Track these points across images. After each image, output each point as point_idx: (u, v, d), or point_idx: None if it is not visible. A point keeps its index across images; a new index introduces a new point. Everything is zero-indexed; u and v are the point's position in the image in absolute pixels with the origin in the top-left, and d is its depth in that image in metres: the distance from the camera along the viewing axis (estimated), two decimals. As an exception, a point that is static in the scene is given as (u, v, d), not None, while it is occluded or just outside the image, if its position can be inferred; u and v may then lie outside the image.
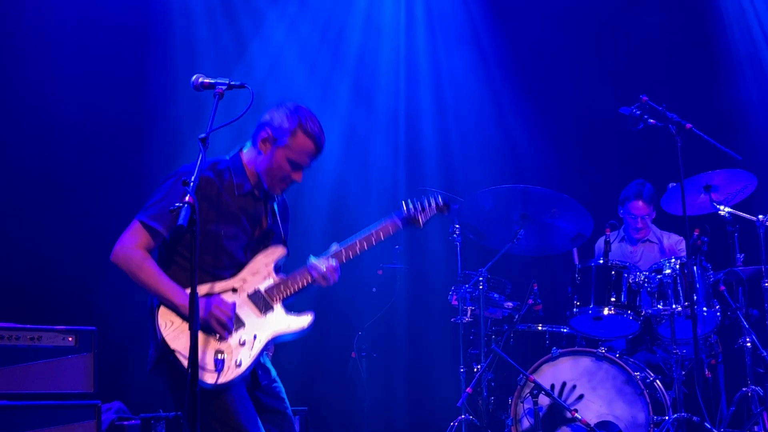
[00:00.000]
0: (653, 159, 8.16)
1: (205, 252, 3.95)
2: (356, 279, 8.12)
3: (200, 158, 3.65)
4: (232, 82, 3.90)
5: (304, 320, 4.12)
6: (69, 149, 7.29)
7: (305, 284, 4.13)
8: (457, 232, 6.70)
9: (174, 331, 3.87)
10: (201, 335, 3.78)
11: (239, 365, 3.90)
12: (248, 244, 4.13)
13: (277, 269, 4.18)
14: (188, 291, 3.63)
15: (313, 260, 4.16)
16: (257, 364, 4.04)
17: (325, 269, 4.14)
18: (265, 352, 4.10)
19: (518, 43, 8.85)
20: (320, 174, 8.23)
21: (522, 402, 6.08)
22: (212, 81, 3.90)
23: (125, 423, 5.70)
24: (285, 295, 4.11)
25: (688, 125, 5.61)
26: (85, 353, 5.12)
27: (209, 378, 3.82)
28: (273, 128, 4.08)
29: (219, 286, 4.00)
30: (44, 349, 5.02)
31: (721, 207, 6.15)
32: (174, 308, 3.88)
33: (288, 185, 4.16)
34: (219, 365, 3.84)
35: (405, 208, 4.40)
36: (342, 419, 8.07)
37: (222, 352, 3.87)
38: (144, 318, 7.16)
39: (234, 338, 3.93)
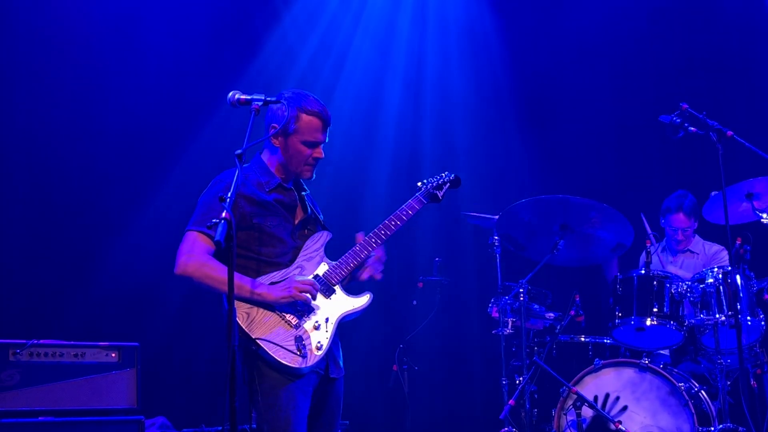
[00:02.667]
0: (694, 167, 8.09)
1: (258, 245, 4.16)
2: (397, 292, 8.12)
3: (237, 174, 3.72)
4: (268, 98, 4.00)
5: (364, 299, 4.30)
6: (112, 162, 7.33)
7: (359, 262, 4.29)
8: (497, 244, 6.68)
9: (253, 323, 4.02)
10: (279, 323, 4.04)
11: (320, 348, 4.10)
12: (294, 231, 4.28)
13: (327, 253, 4.35)
14: (259, 279, 4.03)
15: (361, 245, 4.31)
16: (331, 358, 4.22)
17: (381, 259, 4.35)
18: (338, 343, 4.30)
19: (559, 50, 8.81)
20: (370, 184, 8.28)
21: (565, 414, 6.04)
22: (248, 97, 3.98)
23: (169, 437, 5.75)
24: (343, 276, 4.26)
25: (729, 132, 5.54)
26: (128, 369, 5.18)
27: (298, 362, 4.00)
28: (277, 120, 4.22)
29: (280, 274, 4.16)
30: (88, 365, 5.09)
31: (764, 215, 6.07)
32: (251, 299, 4.04)
33: (313, 165, 4.33)
34: (303, 350, 4.03)
35: (423, 186, 4.58)
36: (384, 432, 8.07)
37: (301, 339, 4.06)
38: (185, 331, 7.23)
39: (309, 324, 4.11)
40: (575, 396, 5.94)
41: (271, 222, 4.20)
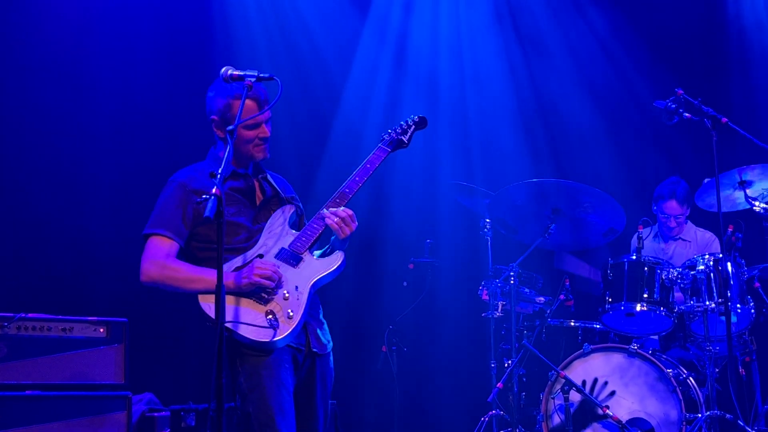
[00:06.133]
0: (688, 153, 8.08)
1: (223, 235, 4.03)
2: (387, 273, 8.11)
3: (228, 149, 3.69)
4: (261, 75, 3.96)
5: (336, 258, 4.24)
6: (104, 139, 7.31)
7: (324, 225, 4.23)
8: (488, 227, 6.68)
9: (222, 309, 3.95)
10: (248, 303, 3.99)
11: (291, 317, 4.02)
12: (255, 216, 4.27)
13: (294, 226, 4.32)
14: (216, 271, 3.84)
15: (324, 211, 4.25)
16: (311, 332, 4.18)
17: (341, 215, 4.22)
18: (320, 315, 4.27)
19: (550, 33, 8.79)
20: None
21: (553, 398, 6.04)
22: (241, 73, 3.95)
23: (156, 414, 5.72)
24: (309, 243, 4.20)
25: (724, 119, 5.52)
26: (116, 344, 5.15)
27: (269, 335, 3.95)
28: (215, 113, 4.24)
29: (242, 258, 4.12)
30: (75, 340, 5.06)
31: (756, 203, 6.07)
32: (212, 290, 3.97)
33: (263, 144, 4.30)
34: (273, 323, 3.97)
35: (387, 135, 4.58)
36: (372, 413, 8.06)
37: (271, 313, 4.00)
38: (174, 309, 7.22)
39: (278, 296, 4.05)
40: (563, 380, 5.94)
41: (229, 210, 4.16)
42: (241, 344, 3.98)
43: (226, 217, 4.06)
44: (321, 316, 4.33)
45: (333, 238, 4.30)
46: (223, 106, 4.21)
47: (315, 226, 4.24)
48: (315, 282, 4.16)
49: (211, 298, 3.87)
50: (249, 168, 4.34)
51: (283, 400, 4.00)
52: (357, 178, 4.36)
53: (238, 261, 4.10)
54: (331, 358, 4.35)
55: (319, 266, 4.20)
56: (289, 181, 4.62)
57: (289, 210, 4.33)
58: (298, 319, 4.03)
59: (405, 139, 4.60)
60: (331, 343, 4.35)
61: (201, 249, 4.22)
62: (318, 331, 4.26)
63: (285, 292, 4.06)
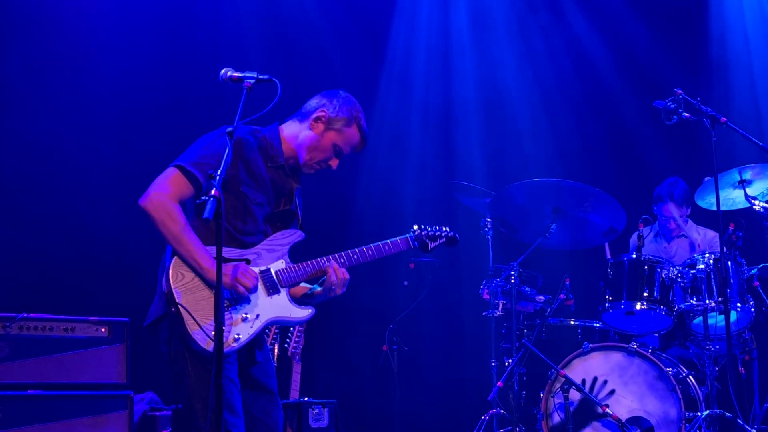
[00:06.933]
0: (687, 153, 8.09)
1: (234, 216, 4.06)
2: (388, 272, 8.12)
3: (228, 151, 3.66)
4: (261, 76, 3.91)
5: (305, 312, 4.16)
6: (105, 142, 7.33)
7: (313, 275, 4.17)
8: (489, 226, 6.70)
9: (184, 286, 3.92)
10: (210, 300, 3.88)
11: (237, 340, 3.94)
12: (270, 217, 4.22)
13: (290, 253, 4.22)
14: (212, 252, 3.77)
15: (332, 263, 4.18)
16: (254, 341, 4.10)
17: (342, 277, 4.16)
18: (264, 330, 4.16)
19: (551, 31, 8.82)
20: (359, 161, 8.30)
21: (553, 396, 6.06)
22: (240, 75, 3.91)
23: (157, 414, 5.73)
24: (293, 282, 4.15)
25: (723, 119, 5.52)
26: (118, 344, 5.17)
27: (206, 344, 3.85)
28: (330, 111, 4.21)
29: (235, 253, 4.05)
30: (77, 339, 5.07)
31: (756, 202, 6.08)
32: (194, 267, 3.92)
33: (322, 168, 4.28)
34: None
35: (418, 230, 4.47)
36: (372, 412, 8.08)
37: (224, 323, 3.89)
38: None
39: (238, 313, 3.98)
40: (563, 379, 5.95)
41: (256, 198, 4.13)
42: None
43: (249, 203, 4.08)
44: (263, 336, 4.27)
45: (320, 284, 4.24)
46: (344, 117, 4.21)
47: (309, 269, 4.16)
48: (274, 319, 4.09)
49: (183, 267, 3.88)
50: (290, 171, 4.28)
51: (233, 399, 3.96)
52: (369, 253, 4.27)
53: (233, 254, 4.01)
54: (270, 354, 4.30)
55: (288, 309, 4.12)
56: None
57: (297, 236, 4.23)
58: (241, 344, 3.96)
59: (430, 246, 4.48)
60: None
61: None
62: (262, 341, 4.21)
63: (245, 313, 4.00)
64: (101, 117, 7.33)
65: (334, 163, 4.27)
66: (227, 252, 4.00)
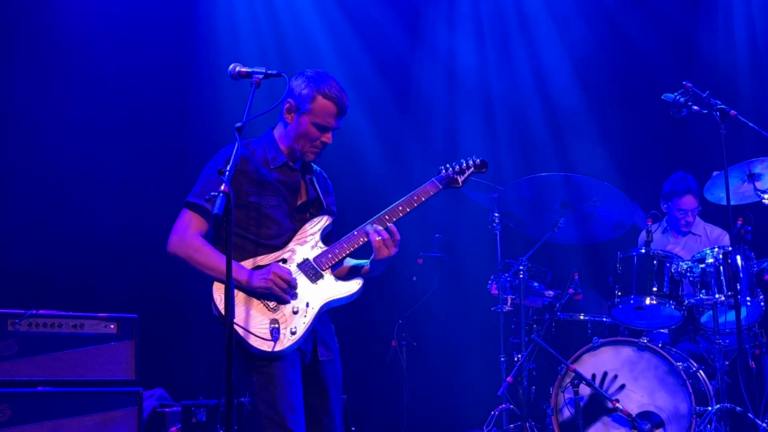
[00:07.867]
0: (696, 147, 8.06)
1: (254, 226, 4.11)
2: (396, 268, 8.10)
3: (236, 147, 3.68)
4: (269, 71, 3.95)
5: (354, 285, 4.18)
6: (112, 141, 7.34)
7: (354, 248, 4.19)
8: (497, 221, 6.68)
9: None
10: (257, 306, 3.98)
11: (294, 333, 4.00)
12: (292, 213, 4.23)
13: (326, 238, 4.26)
14: (244, 264, 3.96)
15: (369, 227, 4.19)
16: (320, 340, 4.17)
17: (384, 235, 4.15)
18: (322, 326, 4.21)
19: (558, 27, 8.79)
20: (357, 155, 8.28)
21: (563, 391, 6.05)
22: (249, 70, 3.94)
23: (167, 410, 5.75)
24: (333, 262, 4.17)
25: (733, 112, 5.48)
26: (127, 340, 5.18)
27: (266, 346, 3.94)
28: (294, 97, 4.19)
29: (269, 258, 4.11)
30: (87, 336, 5.08)
31: (766, 195, 6.05)
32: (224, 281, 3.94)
33: (320, 149, 4.25)
34: (275, 334, 3.96)
35: (444, 170, 4.46)
36: (381, 407, 8.08)
37: (277, 322, 3.99)
38: (184, 304, 7.25)
39: (288, 307, 4.03)
40: (573, 374, 5.94)
41: (269, 202, 4.15)
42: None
43: (264, 210, 4.11)
44: (329, 320, 4.31)
45: (372, 257, 4.24)
46: (307, 95, 4.15)
47: (345, 245, 4.18)
48: (327, 303, 4.13)
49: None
50: (297, 164, 4.28)
51: (294, 399, 4.00)
52: (400, 208, 4.26)
53: (265, 259, 4.08)
54: (338, 358, 4.33)
55: (335, 288, 4.15)
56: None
57: (326, 221, 4.26)
58: (300, 336, 4.01)
59: (460, 180, 4.46)
60: (337, 344, 4.34)
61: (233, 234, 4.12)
62: (325, 337, 4.24)
63: (295, 306, 4.05)
64: (107, 114, 7.34)
65: (327, 138, 4.21)
66: (261, 261, 4.08)
